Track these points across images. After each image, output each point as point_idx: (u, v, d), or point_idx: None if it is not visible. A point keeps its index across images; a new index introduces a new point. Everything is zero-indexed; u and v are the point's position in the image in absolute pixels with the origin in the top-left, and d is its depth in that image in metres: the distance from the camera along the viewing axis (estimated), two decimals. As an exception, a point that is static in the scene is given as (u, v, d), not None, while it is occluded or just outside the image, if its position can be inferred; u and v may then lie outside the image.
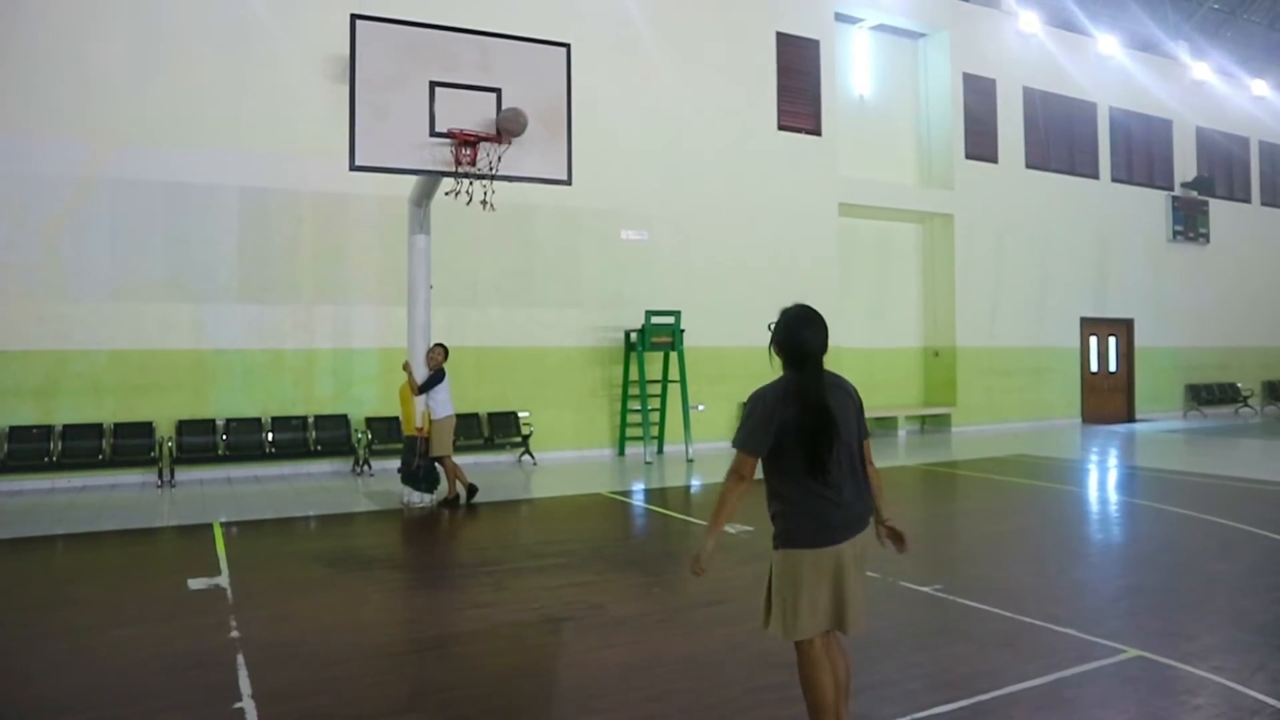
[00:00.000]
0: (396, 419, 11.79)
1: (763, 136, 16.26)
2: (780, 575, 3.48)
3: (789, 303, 3.61)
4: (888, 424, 17.69)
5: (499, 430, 13.56)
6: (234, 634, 5.33)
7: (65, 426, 11.26)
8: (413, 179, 9.78)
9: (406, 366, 10.02)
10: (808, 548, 3.43)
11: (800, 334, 3.46)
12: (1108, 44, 20.87)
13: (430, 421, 9.81)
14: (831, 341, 3.53)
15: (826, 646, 3.54)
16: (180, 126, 11.91)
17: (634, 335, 14.27)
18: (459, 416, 12.91)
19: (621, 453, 14.59)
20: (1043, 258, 19.80)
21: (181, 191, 11.92)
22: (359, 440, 12.55)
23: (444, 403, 9.87)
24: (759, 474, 3.49)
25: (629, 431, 14.55)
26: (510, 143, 9.21)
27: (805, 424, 3.37)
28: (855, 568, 3.47)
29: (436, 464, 9.95)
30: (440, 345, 10.08)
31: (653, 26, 15.16)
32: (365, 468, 12.48)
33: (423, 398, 9.81)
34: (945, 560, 7.07)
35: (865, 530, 3.53)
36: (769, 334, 3.54)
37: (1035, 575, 6.76)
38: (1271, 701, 4.18)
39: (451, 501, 9.88)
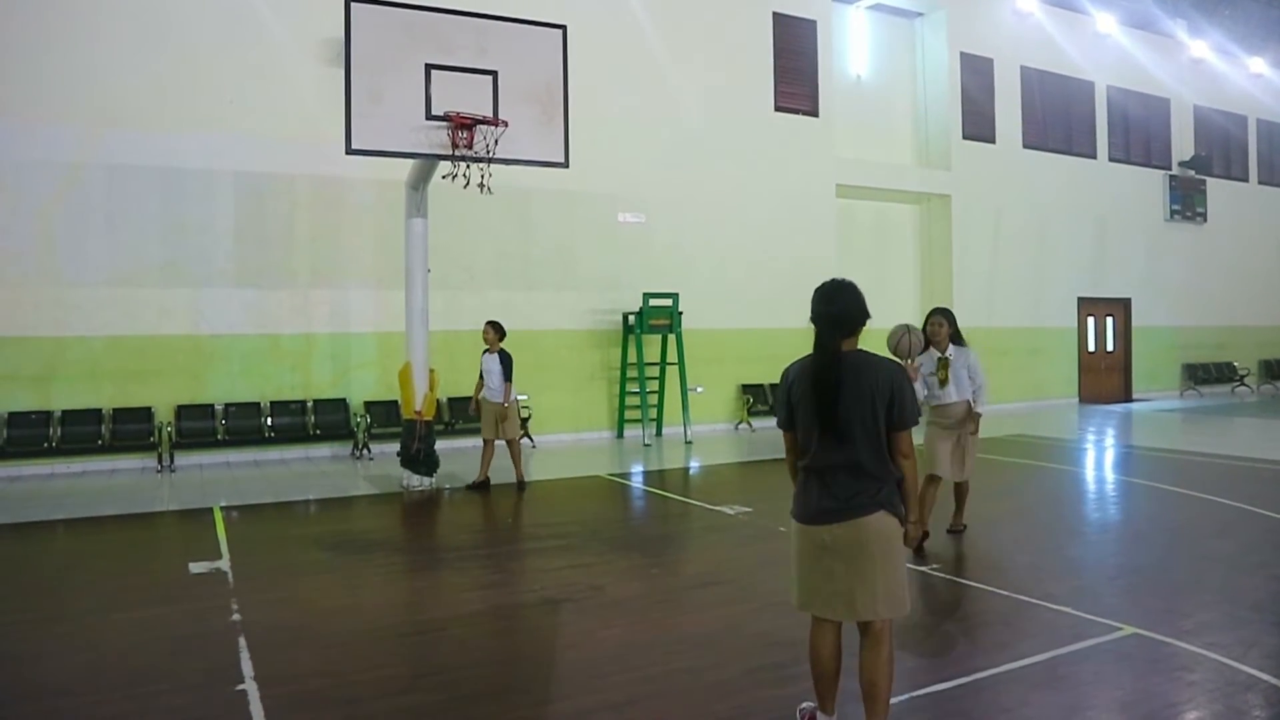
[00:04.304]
0: (395, 402, 11.80)
1: (760, 118, 16.20)
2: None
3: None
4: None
5: (497, 413, 13.57)
6: (235, 617, 5.36)
7: (64, 412, 11.27)
8: (409, 162, 9.75)
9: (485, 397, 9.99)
10: (797, 521, 3.60)
11: (814, 308, 3.53)
12: (1105, 22, 20.76)
13: (507, 405, 9.80)
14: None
15: (862, 646, 3.52)
16: (175, 110, 11.85)
17: (632, 318, 14.26)
18: (459, 400, 13.02)
19: (620, 435, 14.61)
20: (1040, 238, 19.78)
21: (177, 176, 11.88)
22: (358, 424, 12.56)
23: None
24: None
25: (627, 414, 14.57)
26: (506, 125, 9.19)
27: (805, 401, 3.51)
28: (843, 556, 3.41)
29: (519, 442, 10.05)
30: (491, 323, 10.04)
31: (649, 8, 15.07)
32: (364, 451, 12.49)
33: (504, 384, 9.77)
34: (942, 540, 7.11)
35: (859, 520, 3.40)
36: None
37: (1032, 554, 6.80)
38: (1265, 677, 4.22)
39: (480, 485, 9.89)
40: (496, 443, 10.04)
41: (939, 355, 7.04)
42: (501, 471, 10.08)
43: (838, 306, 3.49)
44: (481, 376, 9.96)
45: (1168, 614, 5.18)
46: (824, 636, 3.60)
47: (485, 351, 9.95)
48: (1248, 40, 23.56)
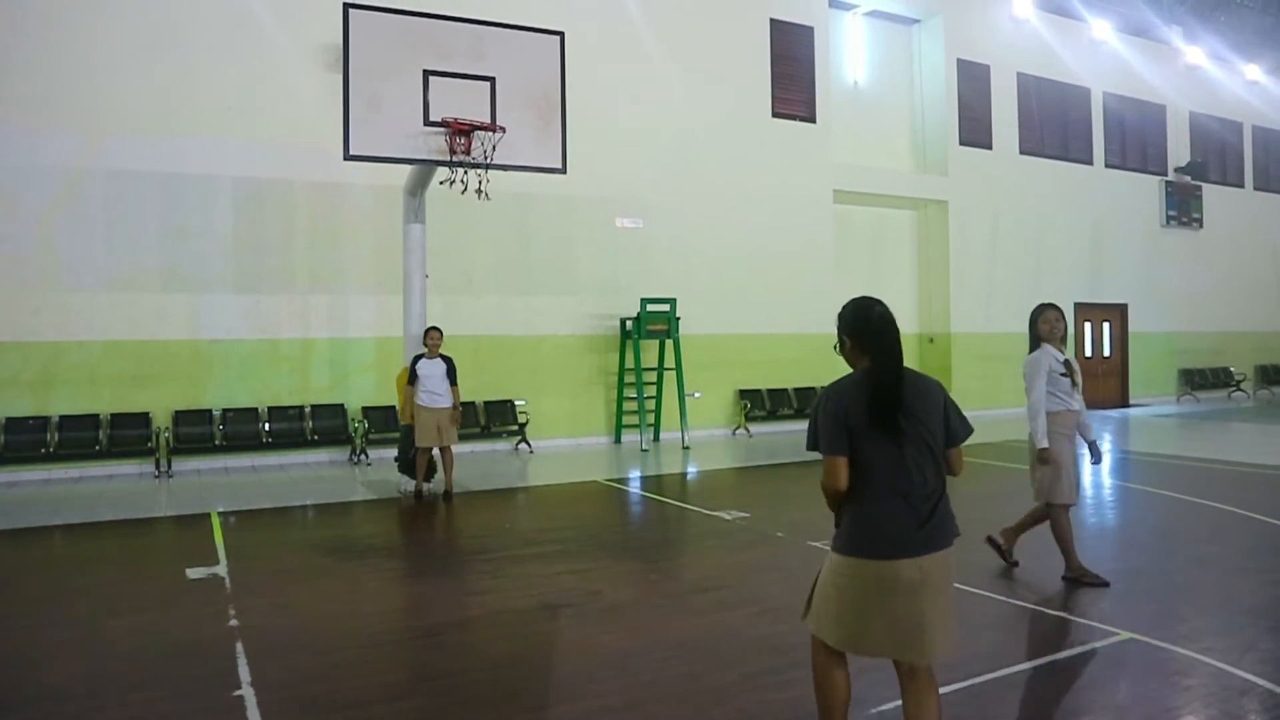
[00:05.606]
0: (393, 408, 11.81)
1: (757, 123, 16.24)
2: (829, 578, 3.27)
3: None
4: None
5: (495, 418, 13.58)
6: (233, 622, 5.36)
7: (62, 418, 11.26)
8: (408, 168, 9.77)
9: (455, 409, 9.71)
10: (868, 558, 3.15)
11: (867, 322, 3.24)
12: (1101, 29, 20.83)
13: (456, 410, 9.56)
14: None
15: (912, 683, 3.23)
16: (175, 116, 11.88)
17: (630, 323, 14.28)
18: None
19: (618, 440, 14.62)
20: (1037, 243, 19.83)
21: (176, 181, 11.90)
22: (356, 429, 12.56)
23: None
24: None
25: (625, 419, 14.58)
26: (504, 131, 9.22)
27: (874, 421, 3.13)
28: (929, 591, 3.11)
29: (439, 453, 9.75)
30: (436, 328, 9.76)
31: (646, 14, 15.12)
32: (362, 457, 12.49)
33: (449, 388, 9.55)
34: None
35: (947, 550, 3.17)
36: (838, 341, 3.34)
37: (1029, 559, 6.80)
38: (1260, 681, 4.23)
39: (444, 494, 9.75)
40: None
41: (1064, 356, 6.19)
42: (501, 477, 10.07)
43: (893, 334, 3.22)
44: (416, 383, 9.54)
45: (1164, 619, 5.20)
46: (842, 666, 3.35)
47: (423, 357, 9.58)
48: (1243, 47, 23.63)
